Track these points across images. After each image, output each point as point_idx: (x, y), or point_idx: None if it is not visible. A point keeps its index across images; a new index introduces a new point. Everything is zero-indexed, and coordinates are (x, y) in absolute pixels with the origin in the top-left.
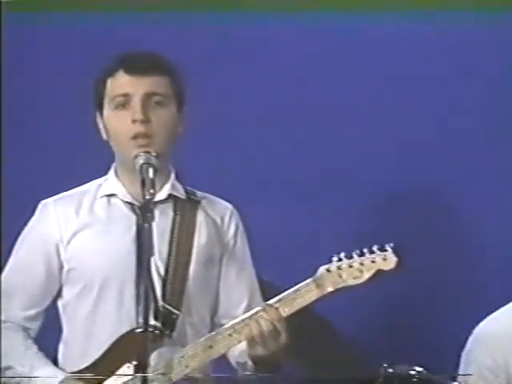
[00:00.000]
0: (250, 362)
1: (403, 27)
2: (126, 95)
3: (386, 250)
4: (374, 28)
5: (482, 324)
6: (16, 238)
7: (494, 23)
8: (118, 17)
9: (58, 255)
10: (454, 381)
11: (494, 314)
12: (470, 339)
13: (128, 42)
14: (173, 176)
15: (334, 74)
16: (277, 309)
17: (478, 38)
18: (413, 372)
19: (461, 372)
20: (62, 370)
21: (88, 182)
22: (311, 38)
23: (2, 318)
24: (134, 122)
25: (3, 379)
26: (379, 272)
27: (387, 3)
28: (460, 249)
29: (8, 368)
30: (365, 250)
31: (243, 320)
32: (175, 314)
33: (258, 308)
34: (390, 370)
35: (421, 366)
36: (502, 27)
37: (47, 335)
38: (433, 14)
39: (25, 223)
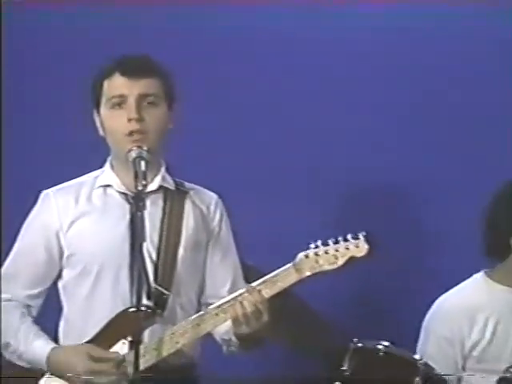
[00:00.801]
0: (234, 339)
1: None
2: (121, 96)
3: (358, 238)
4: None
5: (439, 300)
6: (19, 226)
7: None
8: (117, 17)
9: (58, 241)
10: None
11: (451, 291)
12: (429, 314)
13: (124, 42)
14: (163, 169)
15: (317, 76)
16: (259, 291)
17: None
18: (379, 346)
19: (420, 344)
20: (57, 343)
21: (85, 173)
22: (296, 39)
23: (7, 296)
24: (129, 120)
25: (7, 355)
26: (352, 258)
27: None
28: (423, 237)
29: (7, 345)
30: (339, 238)
31: (228, 301)
32: (166, 294)
33: (242, 290)
34: (359, 345)
35: (387, 341)
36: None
37: (49, 312)
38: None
39: (27, 212)
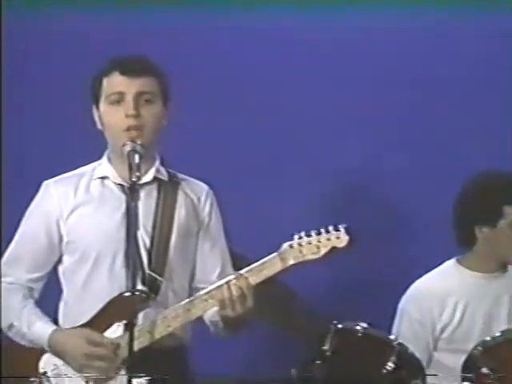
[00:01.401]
0: (220, 322)
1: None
2: (120, 93)
3: (339, 230)
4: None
5: (413, 285)
6: (21, 215)
7: None
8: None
9: (59, 228)
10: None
11: (424, 277)
12: (404, 298)
13: (123, 42)
14: (158, 162)
15: (306, 73)
16: (246, 278)
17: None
18: (358, 327)
19: (395, 325)
20: (57, 324)
21: (84, 165)
22: (287, 38)
23: (10, 279)
24: (127, 116)
25: (10, 334)
26: (334, 248)
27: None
28: (401, 227)
29: (10, 326)
30: (322, 230)
31: (217, 287)
32: (159, 280)
33: (230, 276)
34: (339, 326)
35: (365, 323)
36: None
37: (50, 295)
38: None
39: (29, 201)
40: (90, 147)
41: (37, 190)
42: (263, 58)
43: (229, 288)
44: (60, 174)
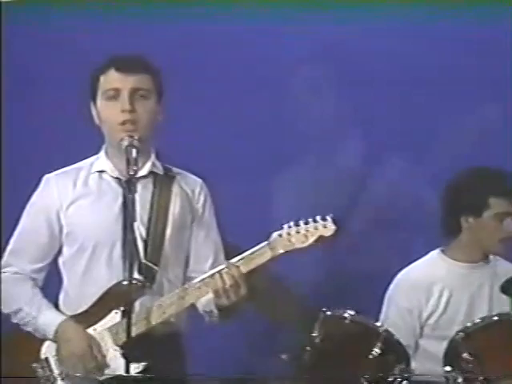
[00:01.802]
0: (215, 310)
1: None
2: (116, 89)
3: (326, 220)
4: None
5: (400, 274)
6: (21, 209)
7: None
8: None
9: (59, 220)
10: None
11: (410, 266)
12: (391, 286)
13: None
14: (153, 156)
15: (302, 69)
16: (238, 266)
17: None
18: (346, 315)
19: (382, 313)
20: (63, 313)
21: (82, 159)
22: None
23: (14, 269)
24: (122, 111)
25: (15, 319)
26: (321, 237)
27: None
28: (386, 214)
29: (18, 310)
30: (309, 219)
31: (210, 275)
32: (154, 269)
33: (222, 265)
34: (328, 313)
35: (353, 311)
36: None
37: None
38: None
39: (29, 195)
40: (88, 142)
41: (37, 184)
42: (260, 53)
43: (221, 277)
44: (59, 168)
